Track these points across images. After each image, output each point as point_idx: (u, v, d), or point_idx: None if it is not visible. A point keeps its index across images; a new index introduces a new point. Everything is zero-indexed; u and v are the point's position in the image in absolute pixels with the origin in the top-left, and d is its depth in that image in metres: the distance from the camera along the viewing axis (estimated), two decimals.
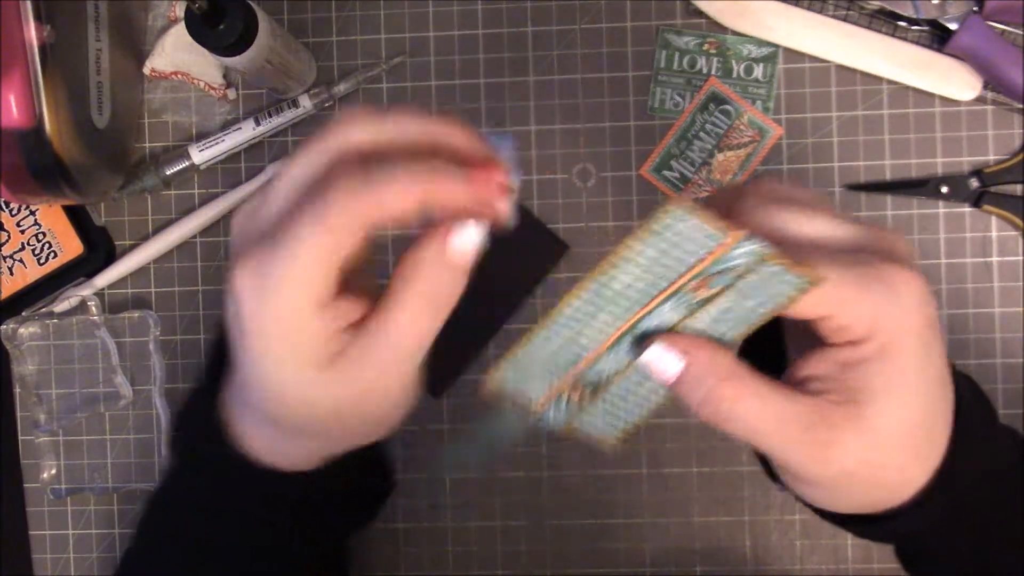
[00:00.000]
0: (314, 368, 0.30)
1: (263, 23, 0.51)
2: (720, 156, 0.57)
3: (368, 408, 0.32)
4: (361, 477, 0.40)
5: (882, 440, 0.30)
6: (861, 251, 0.30)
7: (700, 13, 0.57)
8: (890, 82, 0.56)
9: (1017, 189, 0.56)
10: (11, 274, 0.60)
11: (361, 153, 0.30)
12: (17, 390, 0.61)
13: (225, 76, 0.60)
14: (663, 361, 0.29)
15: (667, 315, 0.29)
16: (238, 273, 0.29)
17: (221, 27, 0.50)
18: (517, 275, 0.58)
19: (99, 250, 0.60)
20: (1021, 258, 0.56)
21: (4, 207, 0.60)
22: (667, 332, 0.29)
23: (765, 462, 0.36)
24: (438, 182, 0.29)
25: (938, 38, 0.55)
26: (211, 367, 0.37)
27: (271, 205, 0.30)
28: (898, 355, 0.29)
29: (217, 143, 0.58)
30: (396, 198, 0.28)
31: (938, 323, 0.30)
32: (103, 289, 0.60)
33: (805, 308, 0.28)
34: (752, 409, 0.29)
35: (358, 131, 0.30)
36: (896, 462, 0.30)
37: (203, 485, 0.38)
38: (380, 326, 0.30)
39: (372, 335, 0.30)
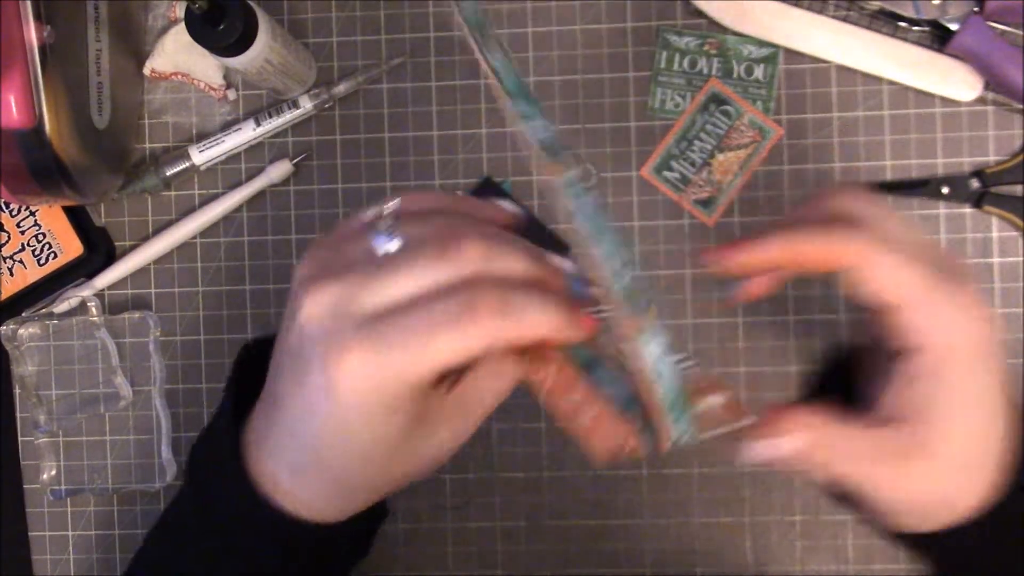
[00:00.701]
0: (407, 427, 0.32)
1: (263, 23, 0.51)
2: (720, 157, 0.57)
3: (432, 461, 0.34)
4: (369, 515, 0.39)
5: (946, 465, 0.31)
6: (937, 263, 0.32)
7: (700, 13, 0.57)
8: (890, 82, 0.56)
9: (1018, 190, 0.56)
10: (11, 275, 0.60)
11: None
12: (17, 391, 0.61)
13: (225, 77, 0.60)
14: (775, 449, 0.33)
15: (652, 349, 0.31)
16: (347, 359, 0.30)
17: (221, 27, 0.50)
18: None
19: (99, 251, 0.60)
20: (1022, 259, 0.56)
21: (4, 208, 0.60)
22: (759, 425, 0.33)
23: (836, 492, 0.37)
24: (563, 324, 0.31)
25: (938, 38, 0.55)
26: (234, 393, 0.36)
27: (385, 293, 0.31)
28: (951, 369, 0.31)
29: (217, 144, 0.58)
30: (530, 331, 0.31)
31: (996, 347, 0.32)
32: (103, 290, 0.60)
33: (884, 289, 0.31)
34: (833, 459, 0.32)
35: (479, 262, 0.31)
36: (956, 485, 0.32)
37: (215, 522, 0.36)
38: (473, 391, 0.34)
39: (468, 400, 0.34)
